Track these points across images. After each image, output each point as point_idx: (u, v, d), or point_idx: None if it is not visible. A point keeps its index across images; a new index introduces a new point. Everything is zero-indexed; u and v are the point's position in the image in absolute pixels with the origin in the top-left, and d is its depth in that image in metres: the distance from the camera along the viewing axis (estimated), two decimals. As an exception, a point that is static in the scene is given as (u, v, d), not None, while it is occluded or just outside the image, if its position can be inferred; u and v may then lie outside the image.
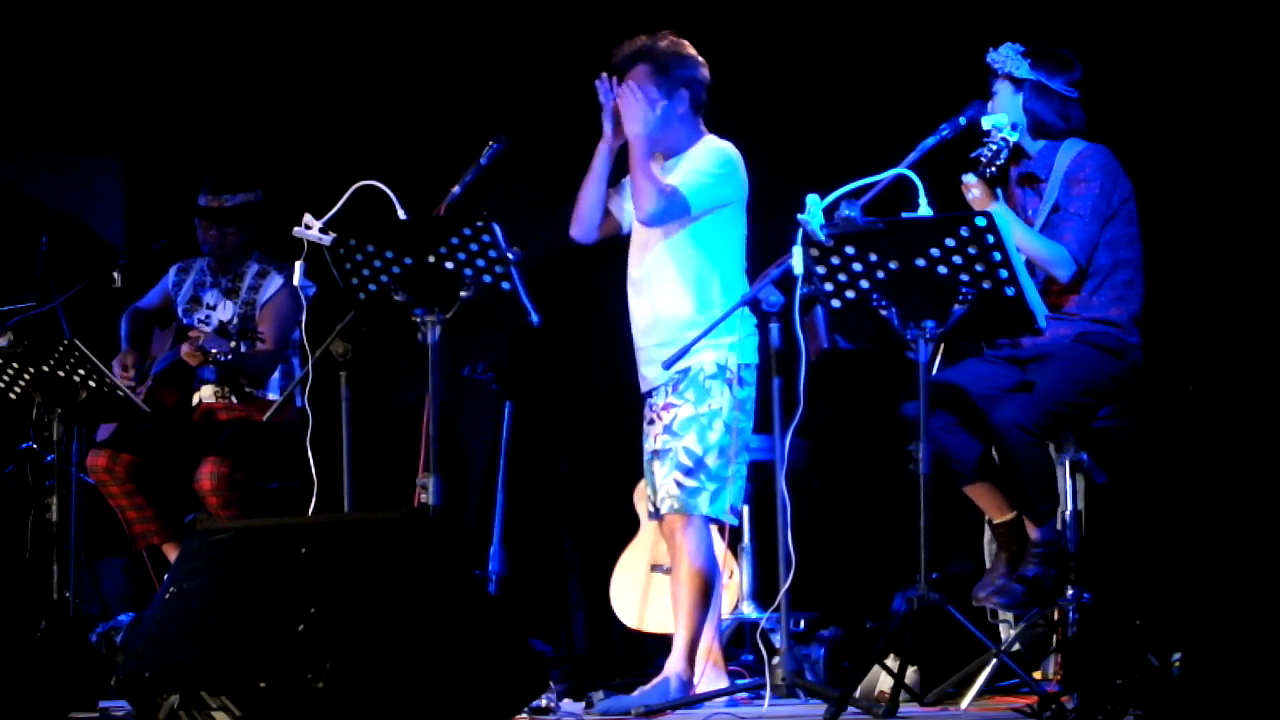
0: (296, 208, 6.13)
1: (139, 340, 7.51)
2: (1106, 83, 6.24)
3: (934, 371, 5.87)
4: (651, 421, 6.26)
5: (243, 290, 7.43)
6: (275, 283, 7.40)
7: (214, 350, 6.99)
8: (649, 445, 6.27)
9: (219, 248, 7.41)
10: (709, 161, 6.18)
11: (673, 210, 6.10)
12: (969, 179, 5.97)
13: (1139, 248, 6.12)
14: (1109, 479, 6.15)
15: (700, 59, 6.25)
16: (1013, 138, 5.98)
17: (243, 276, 7.45)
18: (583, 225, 6.30)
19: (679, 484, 6.13)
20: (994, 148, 5.95)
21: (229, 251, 7.42)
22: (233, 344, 6.99)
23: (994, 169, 5.97)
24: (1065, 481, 6.13)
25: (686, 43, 6.27)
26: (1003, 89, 6.13)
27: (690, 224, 6.16)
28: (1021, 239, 5.90)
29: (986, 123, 5.96)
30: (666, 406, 6.18)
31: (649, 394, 6.28)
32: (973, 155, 5.98)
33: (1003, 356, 6.12)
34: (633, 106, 6.11)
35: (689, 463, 6.13)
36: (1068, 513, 6.09)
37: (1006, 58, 6.11)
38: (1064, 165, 6.07)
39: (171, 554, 7.20)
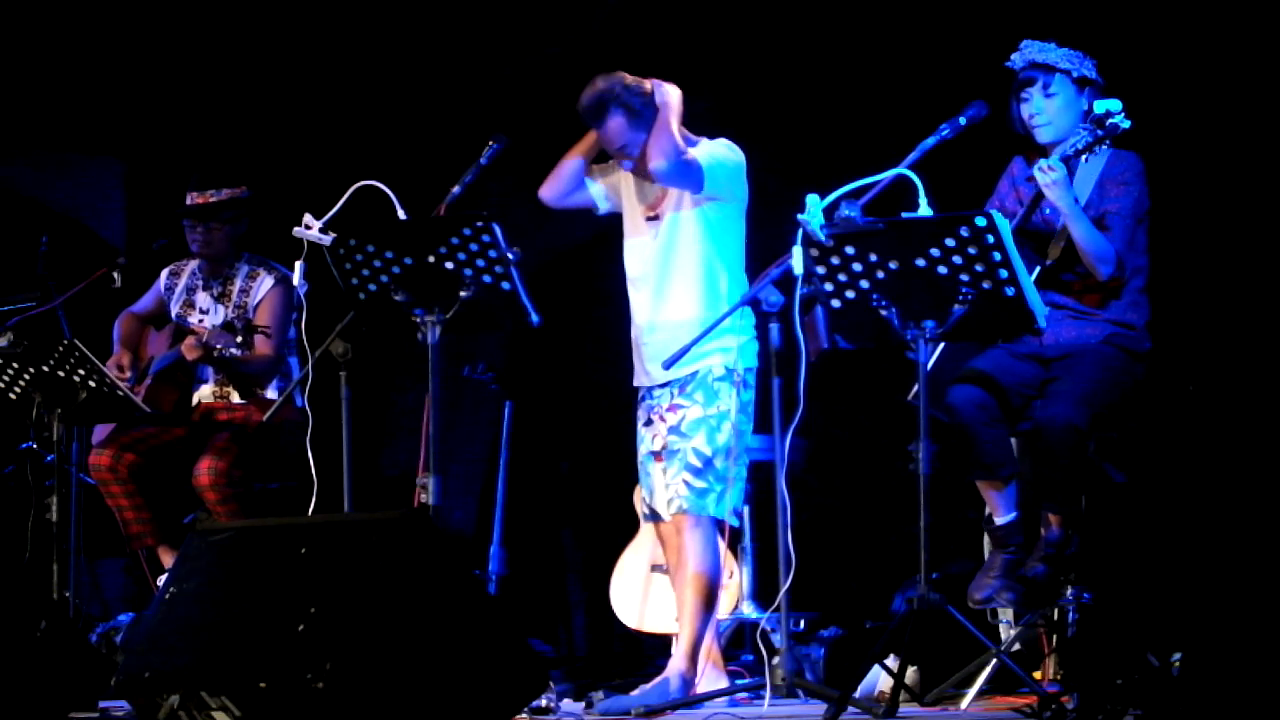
0: (296, 208, 6.13)
1: (131, 343, 7.51)
2: (1108, 81, 6.24)
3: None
4: (650, 422, 6.27)
5: (234, 294, 7.43)
6: (266, 283, 7.39)
7: (219, 345, 6.99)
8: (646, 446, 6.27)
9: (206, 245, 7.39)
10: (724, 147, 6.23)
11: (687, 173, 6.12)
12: (1052, 163, 5.90)
13: (1148, 257, 6.13)
14: (1127, 479, 6.15)
15: (659, 82, 6.23)
16: (1124, 125, 5.89)
17: (233, 279, 7.44)
18: (554, 187, 6.39)
19: (688, 484, 6.13)
20: (1099, 134, 5.86)
21: (217, 250, 7.41)
22: (239, 339, 7.00)
23: (1089, 155, 5.90)
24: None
25: (640, 79, 6.23)
26: (1065, 90, 6.08)
27: (694, 222, 6.17)
28: (1078, 230, 5.90)
29: (1100, 107, 5.86)
30: (673, 408, 6.19)
31: (647, 393, 6.28)
32: (1078, 140, 5.89)
33: (1027, 353, 6.10)
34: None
35: (698, 463, 6.13)
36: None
37: (1078, 58, 6.07)
38: (1096, 168, 6.05)
39: (166, 556, 7.20)
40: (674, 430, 6.18)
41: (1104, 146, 6.01)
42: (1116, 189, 6.04)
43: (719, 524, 6.24)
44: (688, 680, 6.10)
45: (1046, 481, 5.97)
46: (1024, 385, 6.04)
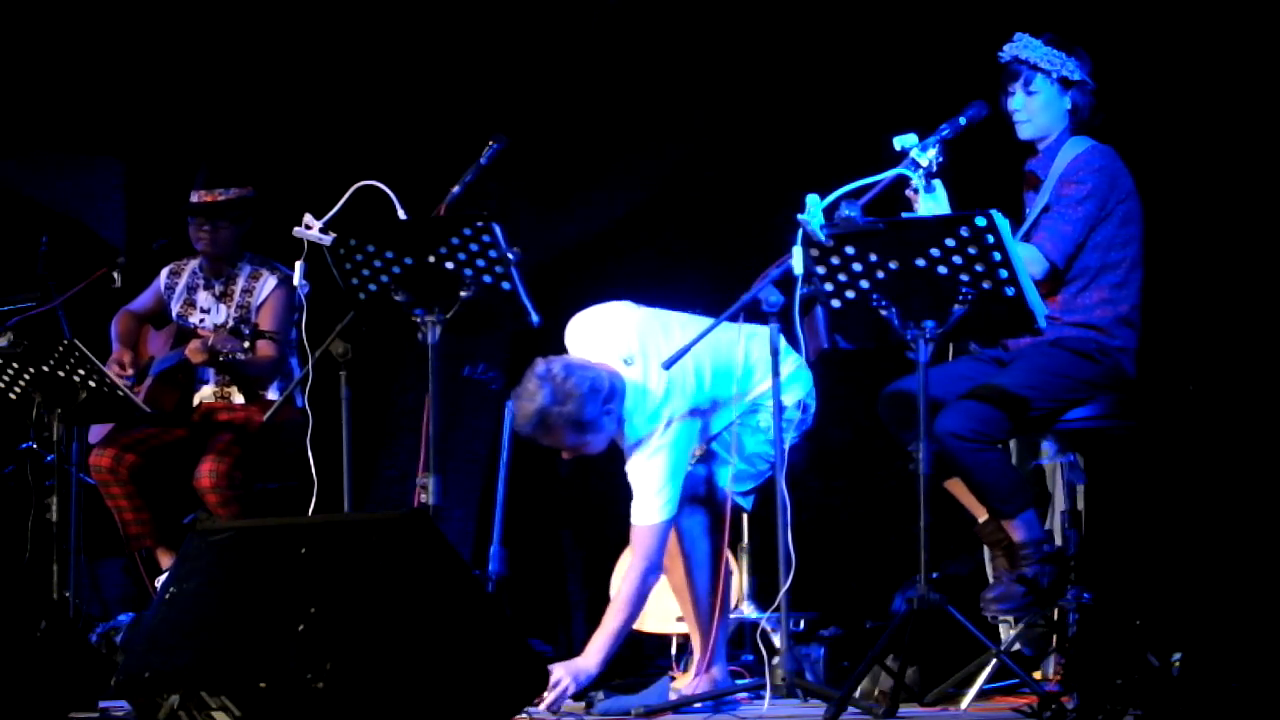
0: (296, 208, 6.13)
1: (130, 341, 7.50)
2: (1106, 80, 6.24)
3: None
4: None
5: (236, 293, 7.43)
6: (269, 283, 7.39)
7: (226, 349, 6.99)
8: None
9: (212, 244, 7.39)
10: (662, 455, 5.98)
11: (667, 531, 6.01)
12: (916, 185, 5.92)
13: (1136, 247, 6.08)
14: (1087, 481, 6.14)
15: (588, 388, 5.92)
16: (923, 158, 5.84)
17: (235, 279, 7.44)
18: None
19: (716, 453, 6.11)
20: (907, 170, 5.84)
21: (222, 249, 7.40)
22: (246, 344, 7.00)
23: (920, 184, 5.87)
24: (1063, 482, 6.14)
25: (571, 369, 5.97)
26: (1046, 88, 6.08)
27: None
28: None
29: (897, 144, 5.85)
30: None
31: None
32: (899, 175, 5.89)
33: (993, 356, 6.12)
34: (560, 691, 5.84)
35: (727, 437, 6.11)
36: (1065, 512, 6.09)
37: (1060, 57, 6.07)
38: (1061, 165, 6.07)
39: (164, 557, 7.20)
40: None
41: (1078, 139, 6.05)
42: (1068, 188, 6.04)
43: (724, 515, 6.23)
44: (719, 681, 6.14)
45: (970, 488, 6.00)
46: (956, 394, 5.99)
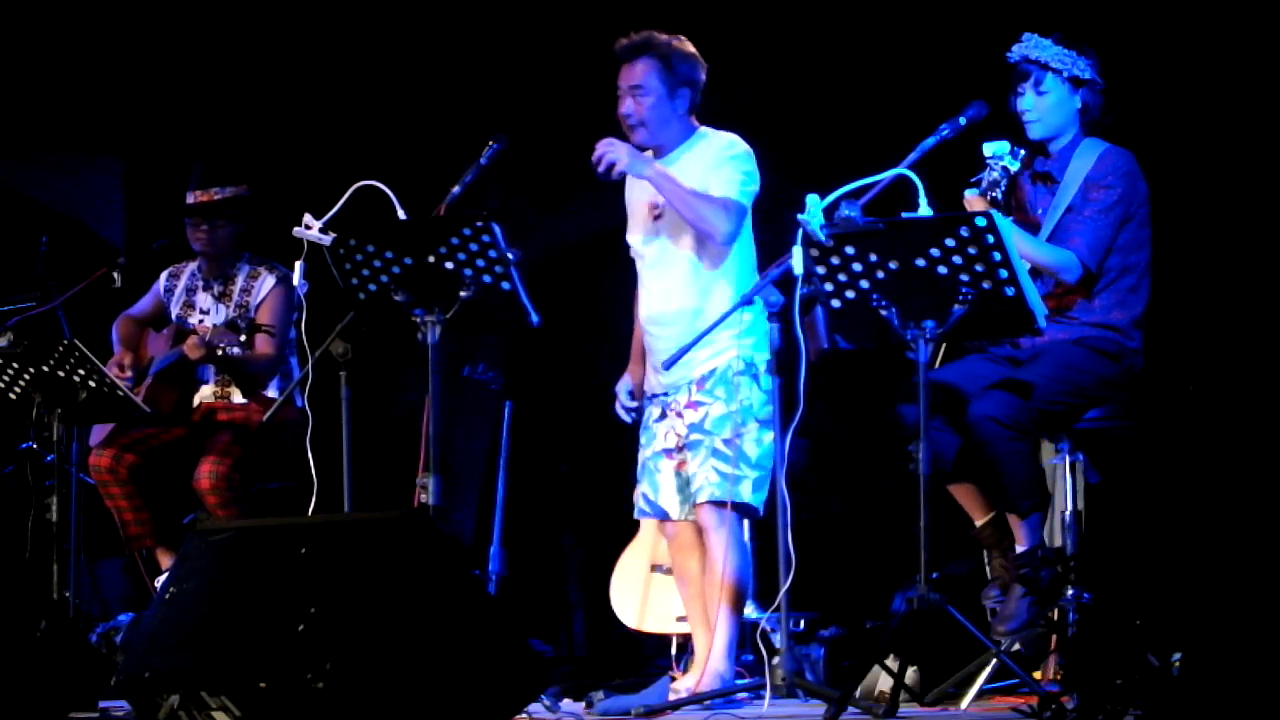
0: (296, 208, 6.13)
1: (131, 344, 7.50)
2: (1110, 79, 6.24)
3: (933, 369, 5.86)
4: (663, 417, 6.24)
5: (235, 293, 7.42)
6: (268, 282, 7.39)
7: (222, 344, 6.99)
8: (658, 443, 6.25)
9: (211, 244, 7.39)
10: (739, 159, 6.17)
11: (740, 219, 6.08)
12: (971, 195, 5.94)
13: (1148, 250, 6.11)
14: (1101, 479, 6.14)
15: (701, 60, 6.24)
16: (1013, 166, 5.90)
17: (234, 279, 7.44)
18: None
19: (719, 471, 6.10)
20: (995, 176, 5.89)
21: (221, 248, 7.40)
22: (243, 338, 7.00)
23: (998, 194, 5.92)
24: (1065, 482, 6.13)
25: (689, 43, 6.26)
26: (1057, 88, 6.08)
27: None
28: (1025, 249, 5.86)
29: (988, 149, 5.89)
30: (692, 405, 6.17)
31: (658, 394, 6.27)
32: (973, 180, 5.94)
33: (1004, 356, 6.12)
34: (617, 152, 6.08)
35: (728, 451, 6.10)
36: (1067, 513, 6.09)
37: (1071, 57, 6.07)
38: (1083, 168, 6.05)
39: (164, 558, 7.20)
40: (695, 428, 6.15)
41: (1094, 140, 6.04)
42: (1098, 191, 6.04)
43: (752, 516, 6.22)
44: (729, 680, 6.12)
45: (990, 480, 5.98)
46: (982, 388, 5.99)
